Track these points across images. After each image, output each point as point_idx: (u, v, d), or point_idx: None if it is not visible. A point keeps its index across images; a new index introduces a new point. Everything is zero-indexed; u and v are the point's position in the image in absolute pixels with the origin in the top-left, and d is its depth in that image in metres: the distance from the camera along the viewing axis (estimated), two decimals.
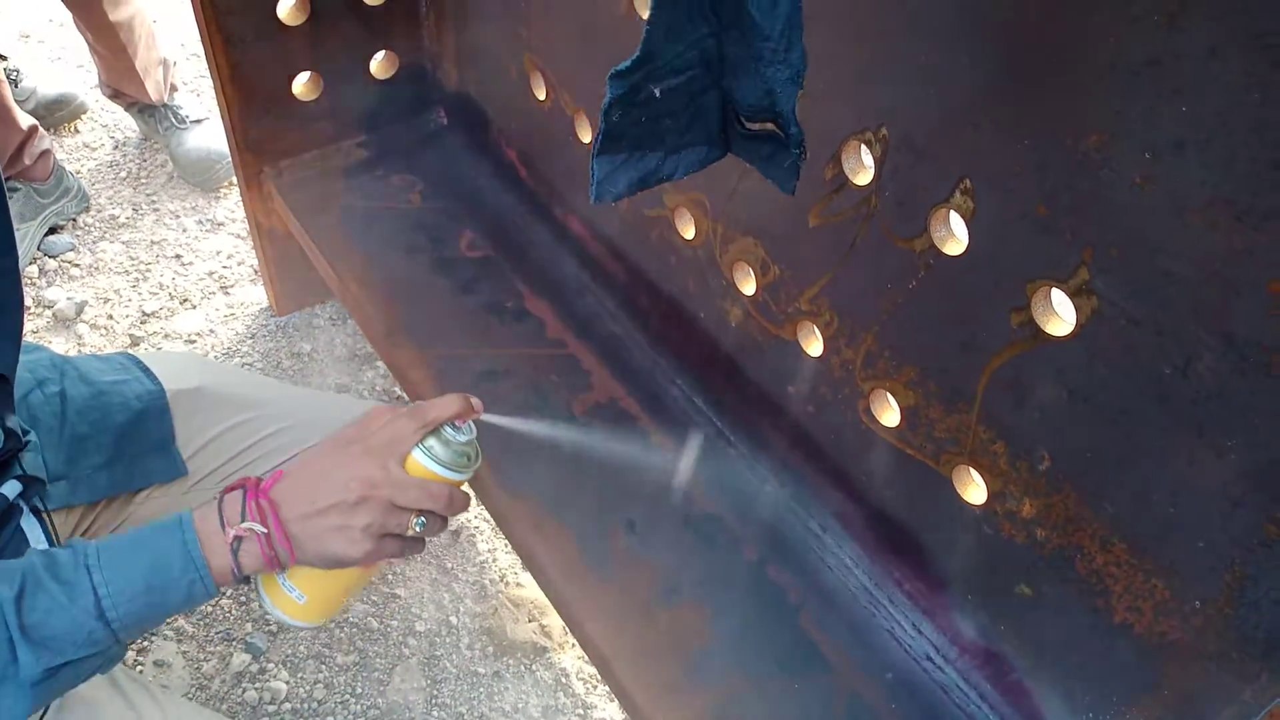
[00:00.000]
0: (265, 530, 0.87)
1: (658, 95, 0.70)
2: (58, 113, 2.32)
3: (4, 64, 2.32)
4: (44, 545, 0.99)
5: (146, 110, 2.25)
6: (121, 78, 2.17)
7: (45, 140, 2.06)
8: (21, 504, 0.98)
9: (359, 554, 0.90)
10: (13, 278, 0.92)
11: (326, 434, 1.21)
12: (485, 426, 1.00)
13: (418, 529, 0.93)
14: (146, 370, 1.17)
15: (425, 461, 0.92)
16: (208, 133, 2.23)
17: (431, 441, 0.92)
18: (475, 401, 0.96)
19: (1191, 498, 0.79)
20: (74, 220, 2.12)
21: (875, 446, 1.08)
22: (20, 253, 1.98)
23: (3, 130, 1.97)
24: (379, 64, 1.67)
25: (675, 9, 0.65)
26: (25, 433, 0.99)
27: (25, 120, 2.02)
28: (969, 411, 0.95)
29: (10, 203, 1.94)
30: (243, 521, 0.87)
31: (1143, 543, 0.84)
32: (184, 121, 2.24)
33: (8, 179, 2.02)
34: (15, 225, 1.97)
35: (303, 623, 0.98)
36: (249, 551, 0.87)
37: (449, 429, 0.94)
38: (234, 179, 2.17)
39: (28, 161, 2.01)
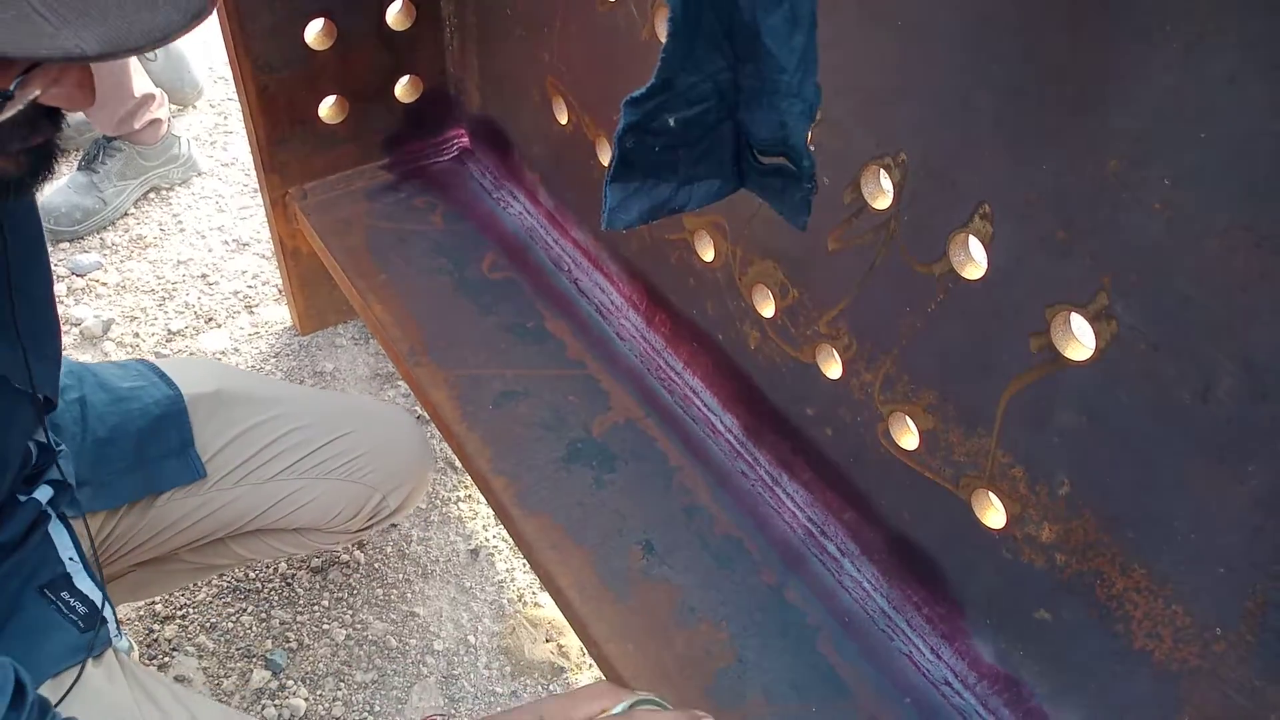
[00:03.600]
0: None
1: (672, 125, 0.70)
2: (86, 134, 2.36)
3: None
4: (71, 551, 1.01)
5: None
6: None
7: (160, 110, 2.20)
8: (50, 511, 1.01)
9: None
10: (51, 306, 0.96)
11: (340, 431, 1.24)
12: None
13: None
14: (163, 376, 1.19)
15: None
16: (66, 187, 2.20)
17: None
18: None
19: (1212, 523, 0.79)
20: (102, 238, 2.15)
21: (894, 470, 1.09)
22: (114, 206, 2.17)
23: (116, 95, 2.11)
24: (403, 88, 1.69)
25: (691, 41, 0.66)
26: (57, 445, 1.02)
27: (140, 89, 2.15)
28: (988, 435, 0.95)
29: (113, 163, 2.15)
30: None
31: (1163, 568, 0.84)
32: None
33: (115, 140, 2.18)
34: (115, 183, 2.15)
35: None
36: None
37: None
38: (98, 231, 2.16)
39: (136, 126, 2.16)
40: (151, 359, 1.89)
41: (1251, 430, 0.73)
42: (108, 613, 1.01)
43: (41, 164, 0.77)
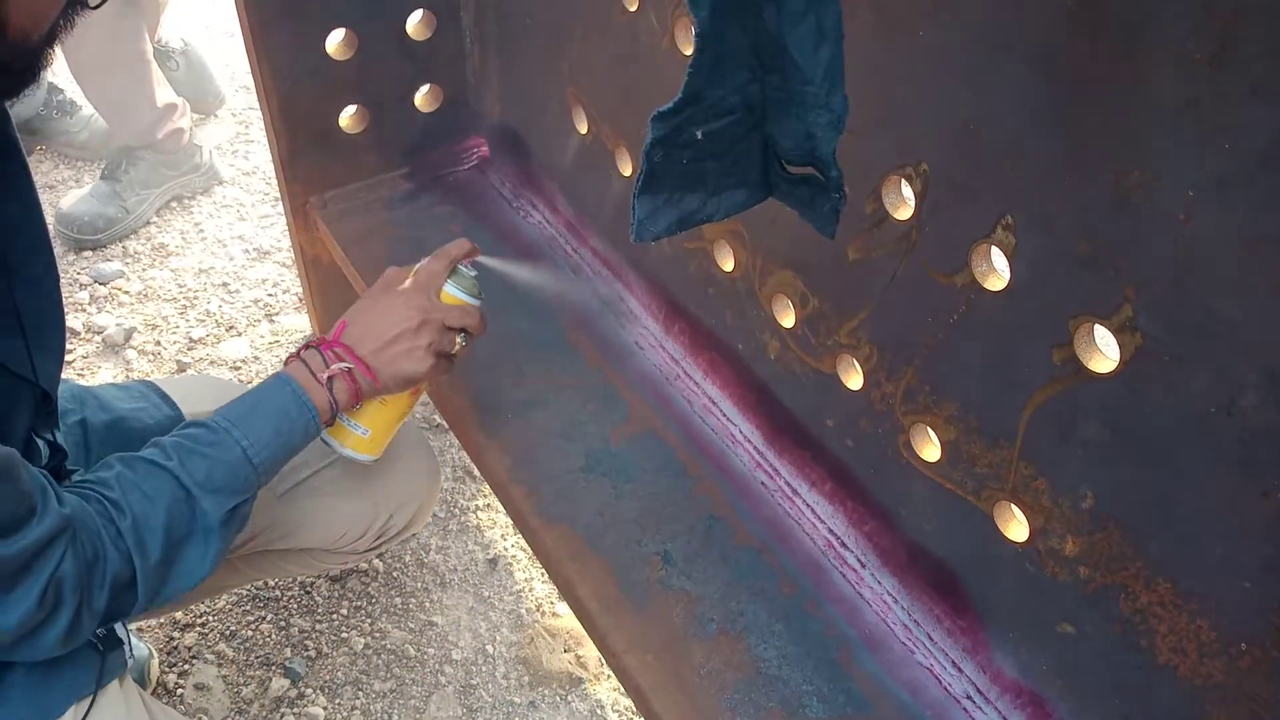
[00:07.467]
0: (350, 366, 1.05)
1: (700, 137, 0.70)
2: (109, 143, 2.38)
3: (60, 97, 2.39)
4: None
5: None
6: None
7: (182, 119, 2.24)
8: None
9: (425, 369, 1.10)
10: (55, 297, 0.95)
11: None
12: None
13: (461, 343, 1.14)
14: (164, 396, 1.20)
15: (456, 292, 1.14)
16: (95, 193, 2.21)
17: (455, 277, 1.14)
18: (474, 245, 1.18)
19: (1237, 537, 0.78)
20: (124, 247, 2.17)
21: (915, 481, 1.08)
22: (136, 215, 2.20)
23: (139, 104, 2.16)
24: (423, 97, 1.70)
25: (719, 53, 0.66)
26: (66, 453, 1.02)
27: (163, 99, 2.19)
28: (1011, 447, 0.95)
29: (135, 172, 2.18)
30: (329, 366, 1.04)
31: (1188, 582, 0.83)
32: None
33: (138, 149, 2.20)
34: (138, 191, 2.18)
35: (368, 456, 1.14)
36: (340, 387, 1.05)
37: (462, 267, 1.16)
38: (120, 240, 2.19)
39: (159, 135, 2.21)
40: (174, 366, 1.91)
41: (1277, 443, 0.72)
42: (122, 634, 1.00)
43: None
